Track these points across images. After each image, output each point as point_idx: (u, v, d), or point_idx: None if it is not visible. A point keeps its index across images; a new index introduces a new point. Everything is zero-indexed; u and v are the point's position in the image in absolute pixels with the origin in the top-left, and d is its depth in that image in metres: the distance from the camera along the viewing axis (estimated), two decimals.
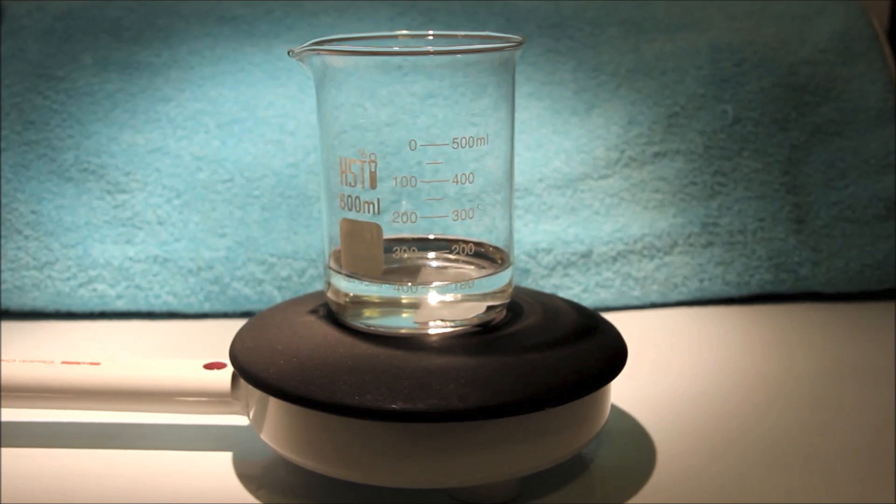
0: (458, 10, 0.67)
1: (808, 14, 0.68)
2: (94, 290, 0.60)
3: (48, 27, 0.65)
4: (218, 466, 0.42)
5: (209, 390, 0.42)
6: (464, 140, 0.39)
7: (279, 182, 0.61)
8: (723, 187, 0.64)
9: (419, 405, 0.35)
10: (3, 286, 0.60)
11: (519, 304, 0.43)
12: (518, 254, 0.61)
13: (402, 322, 0.40)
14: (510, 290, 0.42)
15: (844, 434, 0.45)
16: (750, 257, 0.63)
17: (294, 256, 0.61)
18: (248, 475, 0.42)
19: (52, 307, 0.61)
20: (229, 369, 0.42)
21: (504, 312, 0.42)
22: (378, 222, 0.39)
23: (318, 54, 0.39)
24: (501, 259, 0.42)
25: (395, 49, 0.44)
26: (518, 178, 0.62)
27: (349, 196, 0.40)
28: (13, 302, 0.61)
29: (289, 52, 0.40)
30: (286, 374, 0.37)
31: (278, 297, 0.60)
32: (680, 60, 0.66)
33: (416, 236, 0.41)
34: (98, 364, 0.43)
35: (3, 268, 0.60)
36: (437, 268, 0.42)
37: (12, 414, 0.45)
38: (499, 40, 0.40)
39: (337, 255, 0.41)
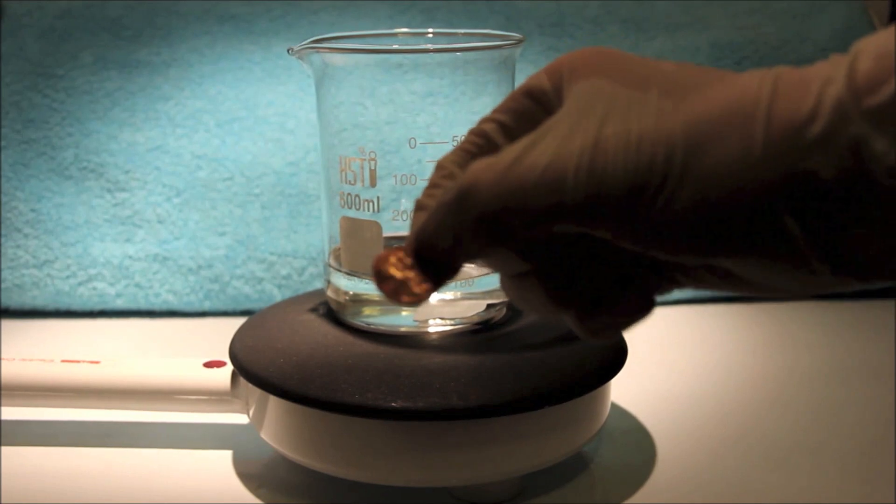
0: (459, 9, 0.66)
1: (809, 13, 0.68)
2: (94, 288, 0.60)
3: (48, 26, 0.65)
4: (218, 465, 0.42)
5: (209, 389, 0.42)
6: None
7: (279, 180, 0.61)
8: None
9: (419, 403, 0.35)
10: (3, 285, 0.60)
11: None
12: None
13: (402, 320, 0.40)
14: None
15: (844, 433, 0.45)
16: None
17: (294, 255, 0.61)
18: (249, 473, 0.42)
19: (51, 306, 0.61)
20: (229, 368, 0.42)
21: (504, 311, 0.42)
22: (378, 220, 0.39)
23: (318, 52, 0.39)
24: None
25: (395, 47, 0.44)
26: None
27: (349, 194, 0.40)
28: (13, 300, 0.61)
29: (288, 51, 0.40)
30: (286, 373, 0.37)
31: (278, 296, 0.60)
32: (680, 59, 0.66)
33: None
34: (98, 363, 0.43)
35: (2, 266, 0.60)
36: None
37: (12, 413, 0.45)
38: (499, 38, 0.40)
39: (337, 254, 0.41)
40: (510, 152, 0.27)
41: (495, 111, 0.31)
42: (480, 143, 0.31)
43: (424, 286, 0.30)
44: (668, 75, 0.27)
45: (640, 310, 0.29)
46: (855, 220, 0.24)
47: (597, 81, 0.27)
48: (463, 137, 0.31)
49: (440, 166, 0.31)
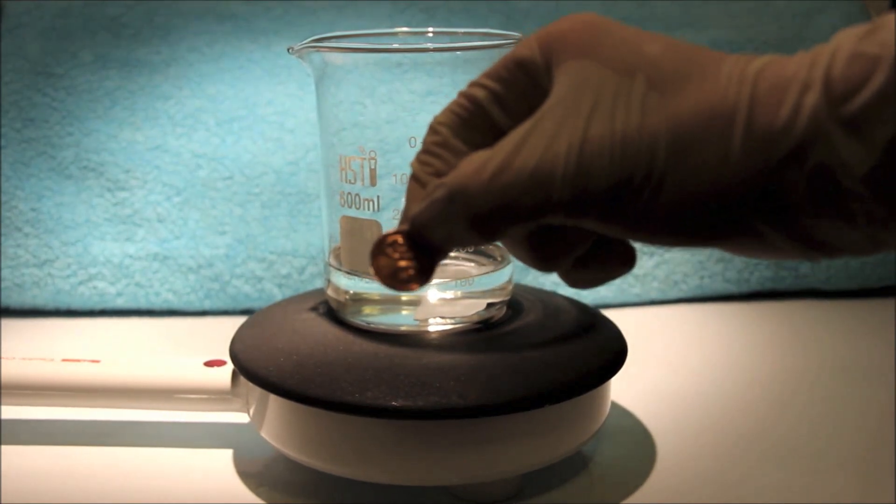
0: (458, 8, 0.66)
1: (809, 12, 0.68)
2: (94, 287, 0.60)
3: (47, 25, 0.65)
4: (218, 464, 0.42)
5: (209, 388, 0.42)
6: None
7: (279, 179, 0.61)
8: None
9: (419, 402, 0.35)
10: (4, 284, 0.60)
11: (519, 302, 0.43)
12: None
13: (403, 319, 0.40)
14: (510, 288, 0.42)
15: (844, 432, 0.45)
16: None
17: (294, 254, 0.61)
18: (249, 472, 0.42)
19: (52, 305, 0.61)
20: (229, 367, 0.42)
21: (504, 310, 0.42)
22: (378, 219, 0.39)
23: (318, 51, 0.39)
24: (501, 256, 0.42)
25: (395, 46, 0.44)
26: None
27: (349, 193, 0.40)
28: (13, 300, 0.61)
29: (289, 50, 0.40)
30: (286, 372, 0.37)
31: (278, 295, 0.60)
32: None
33: None
34: (98, 362, 0.43)
35: (3, 265, 0.60)
36: None
37: (13, 412, 0.45)
38: (499, 37, 0.40)
39: (337, 253, 0.41)
40: (498, 153, 0.28)
41: (487, 76, 0.31)
42: (472, 109, 0.31)
43: (422, 275, 0.31)
44: (654, 61, 0.27)
45: (621, 264, 0.31)
46: (822, 214, 0.25)
47: (585, 65, 0.28)
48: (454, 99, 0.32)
49: (433, 130, 0.32)
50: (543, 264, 0.31)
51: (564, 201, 0.27)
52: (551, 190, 0.27)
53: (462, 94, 0.32)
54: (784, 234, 0.26)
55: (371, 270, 0.32)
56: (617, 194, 0.27)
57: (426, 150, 0.32)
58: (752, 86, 0.25)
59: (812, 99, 0.24)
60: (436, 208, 0.30)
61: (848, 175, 0.24)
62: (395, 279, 0.31)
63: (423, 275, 0.31)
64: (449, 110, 0.32)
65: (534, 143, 0.28)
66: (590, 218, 0.28)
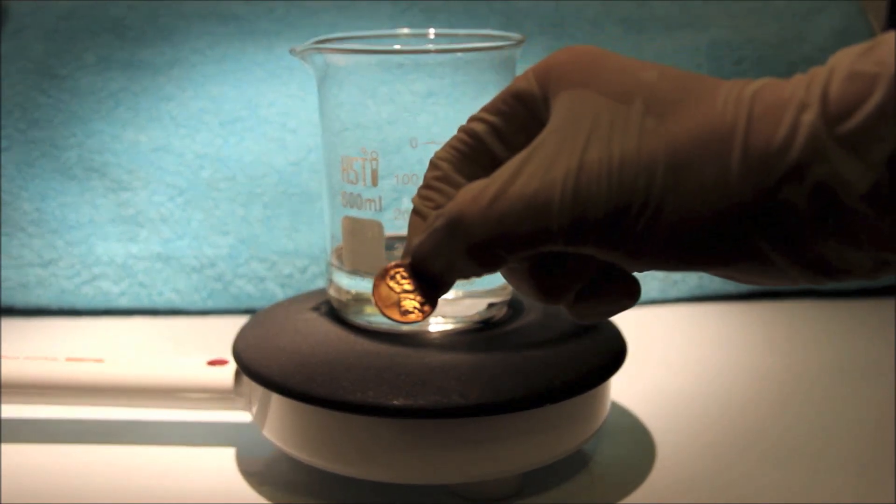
0: (459, 9, 0.67)
1: (808, 13, 0.69)
2: (98, 287, 0.61)
3: (51, 26, 0.65)
4: (221, 462, 0.43)
5: (212, 387, 0.42)
6: None
7: (281, 180, 0.62)
8: None
9: (420, 401, 0.35)
10: (8, 283, 0.61)
11: (520, 301, 0.44)
12: None
13: None
14: (511, 288, 0.42)
15: (844, 431, 0.45)
16: None
17: (296, 254, 0.61)
18: (251, 471, 0.42)
19: (55, 304, 0.61)
20: (232, 366, 0.42)
21: (505, 310, 0.42)
22: (379, 220, 0.39)
23: (320, 52, 0.40)
24: None
25: (397, 47, 0.44)
26: None
27: (351, 194, 0.40)
28: (17, 299, 0.61)
29: (291, 51, 0.40)
30: (288, 371, 0.38)
31: (280, 295, 0.60)
32: (679, 58, 0.66)
33: None
34: (102, 361, 0.43)
35: (7, 265, 0.61)
36: None
37: (17, 411, 0.45)
38: (499, 39, 0.41)
39: (339, 253, 0.42)
40: (496, 181, 0.28)
41: (486, 111, 0.31)
42: (472, 144, 0.31)
43: (424, 306, 0.31)
44: (651, 87, 0.27)
45: (625, 297, 0.31)
46: (825, 234, 0.25)
47: (582, 93, 0.28)
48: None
49: (434, 165, 0.32)
50: (546, 297, 0.31)
51: (563, 228, 0.27)
52: (549, 217, 0.27)
53: (462, 129, 0.32)
54: (787, 256, 0.26)
55: (373, 301, 0.32)
56: (616, 219, 0.27)
57: (427, 185, 0.32)
58: (749, 107, 0.25)
59: (809, 118, 0.24)
60: (435, 238, 0.30)
61: (848, 193, 0.24)
62: (396, 311, 0.31)
63: (426, 307, 0.31)
64: (449, 146, 0.32)
65: (531, 171, 0.28)
66: (589, 244, 0.27)
